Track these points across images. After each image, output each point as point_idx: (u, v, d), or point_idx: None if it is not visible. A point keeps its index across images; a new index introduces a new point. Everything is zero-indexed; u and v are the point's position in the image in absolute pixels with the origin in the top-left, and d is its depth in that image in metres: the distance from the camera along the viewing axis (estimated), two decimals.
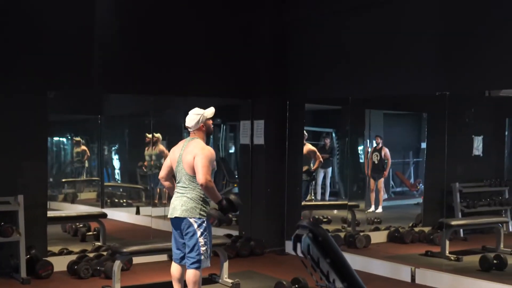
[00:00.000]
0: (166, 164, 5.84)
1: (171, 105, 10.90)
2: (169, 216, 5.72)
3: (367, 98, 8.66)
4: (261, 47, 9.13)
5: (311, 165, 10.43)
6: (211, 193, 5.55)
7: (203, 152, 5.56)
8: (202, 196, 5.58)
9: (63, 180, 12.30)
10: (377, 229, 9.71)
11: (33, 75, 7.60)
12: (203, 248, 5.55)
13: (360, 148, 10.68)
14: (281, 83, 9.09)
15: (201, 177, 5.46)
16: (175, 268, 5.80)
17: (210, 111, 5.75)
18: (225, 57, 8.96)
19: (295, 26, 9.07)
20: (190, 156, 5.56)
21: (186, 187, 5.60)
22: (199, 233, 5.53)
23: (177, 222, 5.64)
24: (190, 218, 5.54)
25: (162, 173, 5.86)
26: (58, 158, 12.58)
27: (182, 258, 5.72)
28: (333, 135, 11.47)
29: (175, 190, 5.71)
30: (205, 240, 5.56)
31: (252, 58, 9.12)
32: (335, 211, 10.27)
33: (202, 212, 5.57)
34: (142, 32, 8.35)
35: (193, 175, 5.55)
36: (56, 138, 12.21)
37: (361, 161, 10.68)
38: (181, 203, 5.59)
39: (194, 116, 5.71)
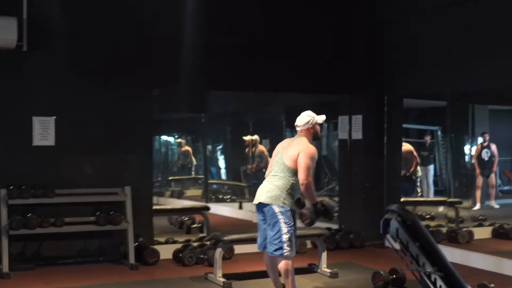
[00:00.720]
0: (270, 162, 5.97)
1: (272, 103, 11.11)
2: (253, 203, 5.84)
3: (467, 92, 8.49)
4: (358, 42, 9.17)
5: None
6: (310, 193, 5.65)
7: (308, 150, 5.67)
8: (288, 187, 5.66)
9: (170, 178, 12.80)
10: (480, 225, 9.52)
11: (139, 74, 8.00)
12: (286, 236, 5.59)
13: (465, 145, 10.48)
14: (379, 78, 9.09)
15: (303, 177, 5.57)
16: (266, 257, 5.91)
17: (322, 118, 5.89)
18: (322, 53, 9.08)
19: (392, 19, 9.04)
20: (294, 151, 5.68)
21: (276, 175, 5.71)
22: (281, 220, 5.61)
23: (261, 208, 5.75)
24: (273, 205, 5.63)
25: (267, 171, 5.96)
26: (166, 157, 13.10)
27: (265, 246, 5.79)
28: (439, 132, 11.32)
29: (266, 179, 5.83)
30: (288, 228, 5.61)
31: (349, 54, 9.19)
32: (440, 208, 10.10)
33: (285, 202, 5.64)
34: (240, 31, 8.60)
35: (290, 167, 5.66)
36: (164, 138, 12.71)
37: (467, 158, 10.46)
38: (267, 190, 5.69)
39: (306, 117, 5.85)
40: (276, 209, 5.63)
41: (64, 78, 7.66)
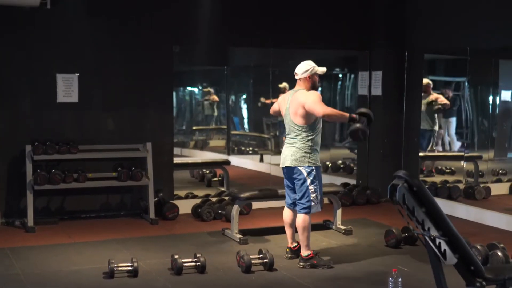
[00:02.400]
0: (274, 108, 6.21)
1: (293, 57, 11.08)
2: (280, 166, 6.05)
3: (487, 48, 8.39)
4: None
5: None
6: (335, 117, 5.84)
7: (310, 95, 5.77)
8: (310, 144, 5.82)
9: (194, 128, 12.93)
10: (499, 180, 9.54)
11: (160, 31, 8.08)
12: (313, 195, 5.83)
13: (488, 98, 10.39)
14: (399, 33, 9.05)
15: (319, 111, 5.65)
16: (286, 213, 6.14)
17: (322, 69, 5.94)
18: (342, 8, 9.06)
19: None
20: (297, 106, 5.79)
21: (294, 138, 5.86)
22: (309, 181, 5.82)
23: (288, 171, 5.97)
24: (300, 167, 5.82)
25: (271, 111, 6.28)
26: (191, 108, 13.20)
27: (294, 204, 6.04)
28: (466, 84, 11.23)
29: (285, 141, 5.99)
30: (314, 187, 5.84)
31: (370, 10, 9.15)
32: (463, 163, 10.13)
33: (311, 161, 5.82)
34: None
35: (300, 125, 5.79)
36: (188, 88, 12.78)
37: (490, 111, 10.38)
38: (290, 153, 5.87)
39: (305, 65, 5.91)
40: (303, 170, 5.82)
41: (87, 36, 7.76)
